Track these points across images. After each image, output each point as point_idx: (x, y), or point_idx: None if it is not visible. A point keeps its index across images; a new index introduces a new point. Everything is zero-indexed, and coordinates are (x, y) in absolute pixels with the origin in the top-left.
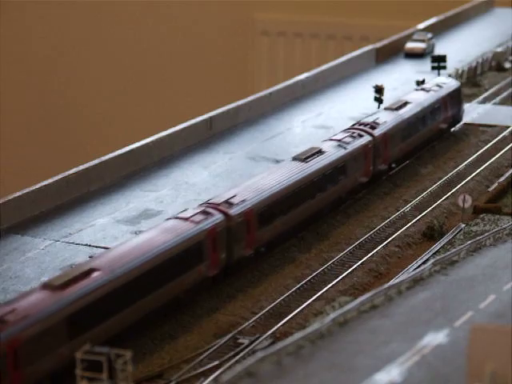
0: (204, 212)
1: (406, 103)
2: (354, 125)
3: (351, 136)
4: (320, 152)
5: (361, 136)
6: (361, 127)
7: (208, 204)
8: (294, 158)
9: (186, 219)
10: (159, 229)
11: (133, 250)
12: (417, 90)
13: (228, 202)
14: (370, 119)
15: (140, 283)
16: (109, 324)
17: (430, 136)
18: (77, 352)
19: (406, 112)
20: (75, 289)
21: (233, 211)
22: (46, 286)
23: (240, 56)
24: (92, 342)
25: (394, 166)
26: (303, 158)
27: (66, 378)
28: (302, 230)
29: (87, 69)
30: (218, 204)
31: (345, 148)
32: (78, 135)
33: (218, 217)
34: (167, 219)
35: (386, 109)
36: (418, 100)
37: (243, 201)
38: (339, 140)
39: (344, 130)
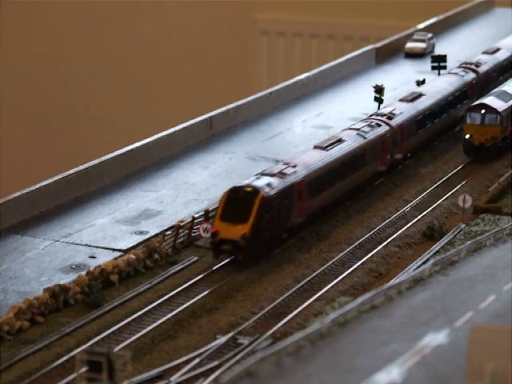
0: (374, 124)
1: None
2: (371, 115)
3: (369, 125)
4: (340, 141)
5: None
6: (378, 117)
7: (376, 116)
8: (316, 147)
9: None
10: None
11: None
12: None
13: (388, 117)
14: (386, 110)
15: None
16: (334, 189)
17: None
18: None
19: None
20: (334, 150)
21: (393, 123)
22: (316, 147)
23: (240, 56)
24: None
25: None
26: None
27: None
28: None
29: (87, 69)
30: (383, 115)
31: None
32: (78, 135)
33: (385, 127)
34: (344, 130)
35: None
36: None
37: (400, 113)
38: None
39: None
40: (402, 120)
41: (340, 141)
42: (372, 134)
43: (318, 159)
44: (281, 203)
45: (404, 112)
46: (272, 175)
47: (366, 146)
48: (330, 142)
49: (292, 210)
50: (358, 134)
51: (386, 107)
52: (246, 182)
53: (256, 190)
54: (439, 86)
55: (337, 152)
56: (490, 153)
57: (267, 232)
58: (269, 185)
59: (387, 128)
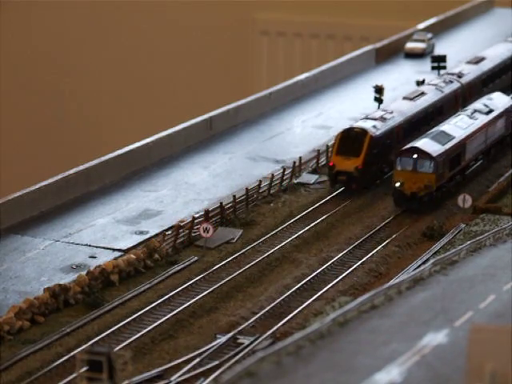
0: (448, 81)
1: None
2: (442, 74)
3: (444, 82)
4: (423, 94)
5: (451, 82)
6: (450, 76)
7: (448, 75)
8: (404, 98)
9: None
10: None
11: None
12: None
13: (458, 76)
14: (456, 70)
15: None
16: (419, 133)
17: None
18: None
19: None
20: (420, 101)
21: (463, 80)
22: (405, 98)
23: (240, 56)
24: None
25: None
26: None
27: None
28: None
29: (87, 69)
30: (454, 74)
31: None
32: (78, 135)
33: (457, 83)
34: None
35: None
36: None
37: (468, 73)
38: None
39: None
40: (469, 78)
41: (423, 94)
42: (447, 89)
43: (408, 108)
44: (384, 142)
45: (471, 72)
46: (375, 119)
47: (443, 99)
48: (416, 94)
49: (392, 148)
50: (436, 88)
51: (455, 68)
52: (356, 124)
53: (365, 131)
54: (498, 52)
55: (422, 102)
56: (423, 203)
57: (374, 165)
58: (374, 127)
59: (458, 85)
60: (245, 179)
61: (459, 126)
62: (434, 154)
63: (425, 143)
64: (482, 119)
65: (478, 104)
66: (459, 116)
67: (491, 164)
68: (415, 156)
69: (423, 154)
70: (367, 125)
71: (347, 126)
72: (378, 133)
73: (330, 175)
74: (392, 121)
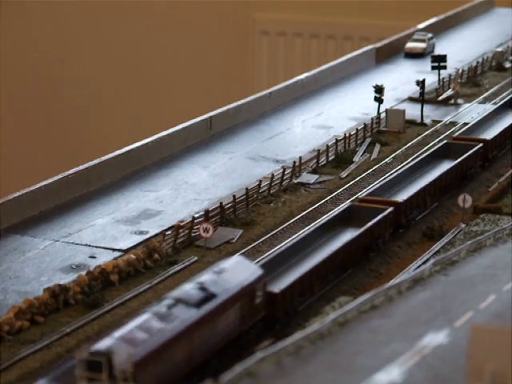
0: None
1: None
2: None
3: None
4: None
5: None
6: None
7: None
8: None
9: None
10: None
11: None
12: None
13: None
14: None
15: None
16: None
17: None
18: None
19: None
20: None
21: None
22: None
23: (240, 56)
24: None
25: None
26: None
27: None
28: None
29: (87, 69)
30: None
31: None
32: (78, 135)
33: None
34: None
35: None
36: None
37: None
38: None
39: None
40: None
41: None
42: None
43: None
44: None
45: None
46: None
47: None
48: None
49: None
50: None
51: None
52: None
53: None
54: None
55: None
56: None
57: None
58: None
59: None
60: (245, 179)
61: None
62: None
63: (117, 345)
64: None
65: (191, 287)
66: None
67: (491, 164)
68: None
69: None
70: None
71: None
72: None
73: None
74: None
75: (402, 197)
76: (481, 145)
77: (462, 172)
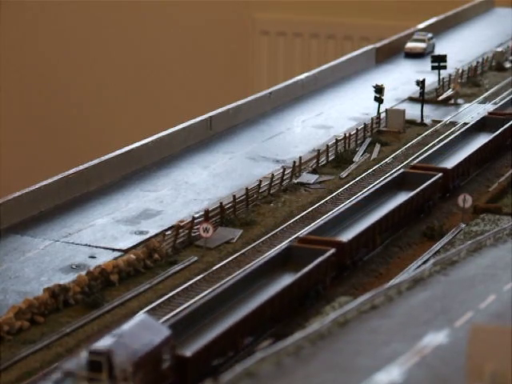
0: None
1: None
2: None
3: None
4: None
5: None
6: None
7: None
8: None
9: None
10: None
11: None
12: None
13: None
14: None
15: None
16: None
17: None
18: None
19: None
20: None
21: None
22: None
23: (240, 56)
24: None
25: None
26: None
27: None
28: None
29: (87, 68)
30: None
31: None
32: (78, 135)
33: None
34: None
35: None
36: None
37: None
38: None
39: None
40: None
41: None
42: None
43: None
44: None
45: None
46: None
47: None
48: None
49: None
50: None
51: None
52: None
53: None
54: None
55: None
56: None
57: None
58: None
59: None
60: (245, 179)
61: None
62: None
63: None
64: None
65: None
66: None
67: (491, 164)
68: None
69: None
70: None
71: None
72: None
73: None
74: None
75: (347, 235)
76: (440, 174)
77: (419, 205)
